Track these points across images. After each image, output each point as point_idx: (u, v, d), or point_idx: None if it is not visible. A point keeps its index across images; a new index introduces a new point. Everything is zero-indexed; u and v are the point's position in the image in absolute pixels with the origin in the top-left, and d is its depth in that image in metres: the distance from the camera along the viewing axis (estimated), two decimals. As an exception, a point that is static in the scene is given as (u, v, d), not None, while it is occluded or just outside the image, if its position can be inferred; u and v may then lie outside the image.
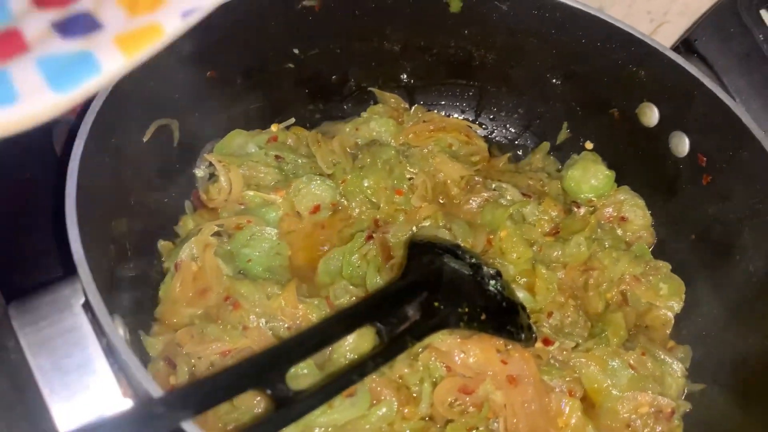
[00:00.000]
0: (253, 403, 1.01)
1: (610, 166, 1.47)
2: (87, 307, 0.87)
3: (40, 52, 0.69)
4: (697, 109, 1.28)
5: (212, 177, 1.38)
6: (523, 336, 1.12)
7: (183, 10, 0.69)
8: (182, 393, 0.75)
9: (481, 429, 1.08)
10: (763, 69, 1.30)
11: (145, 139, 1.21)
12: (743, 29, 1.32)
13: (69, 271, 0.88)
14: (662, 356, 1.22)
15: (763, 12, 1.33)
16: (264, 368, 0.81)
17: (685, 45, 1.39)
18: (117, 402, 0.79)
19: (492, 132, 1.62)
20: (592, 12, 1.34)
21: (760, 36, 1.31)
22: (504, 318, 1.12)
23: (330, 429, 1.06)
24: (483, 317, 1.10)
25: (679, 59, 1.29)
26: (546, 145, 1.56)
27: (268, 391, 0.80)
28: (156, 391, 0.74)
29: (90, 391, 0.81)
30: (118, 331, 0.87)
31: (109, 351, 0.86)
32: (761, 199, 1.18)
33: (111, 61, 0.68)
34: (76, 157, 0.96)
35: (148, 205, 1.27)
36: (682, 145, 1.32)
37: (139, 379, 0.75)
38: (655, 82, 1.33)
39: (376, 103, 1.57)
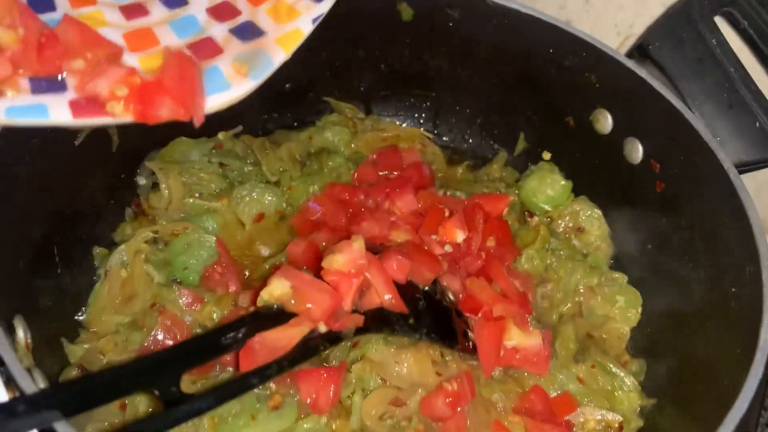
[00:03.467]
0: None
1: (567, 176, 1.43)
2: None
3: (231, 52, 0.97)
4: (650, 114, 1.25)
5: (155, 186, 1.35)
6: (455, 342, 1.06)
7: (312, 18, 1.04)
8: (51, 392, 0.70)
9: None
10: (716, 74, 1.26)
11: (77, 143, 1.18)
12: (696, 35, 1.28)
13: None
14: (614, 370, 1.17)
15: (717, 18, 1.30)
16: (156, 369, 0.76)
17: (639, 50, 1.35)
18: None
19: (452, 142, 1.58)
20: (543, 18, 1.31)
21: (713, 41, 1.27)
22: (439, 323, 1.07)
23: (254, 442, 1.01)
24: (418, 325, 1.05)
25: (630, 63, 1.26)
26: (503, 155, 1.52)
27: (156, 392, 0.74)
28: (30, 388, 0.69)
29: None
30: (18, 332, 0.82)
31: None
32: (710, 205, 1.13)
33: (278, 56, 1.00)
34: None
35: (84, 211, 1.24)
36: (635, 151, 1.29)
37: (16, 377, 0.70)
38: (607, 87, 1.30)
39: (331, 112, 1.54)
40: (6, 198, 0.97)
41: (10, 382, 0.77)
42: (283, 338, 0.89)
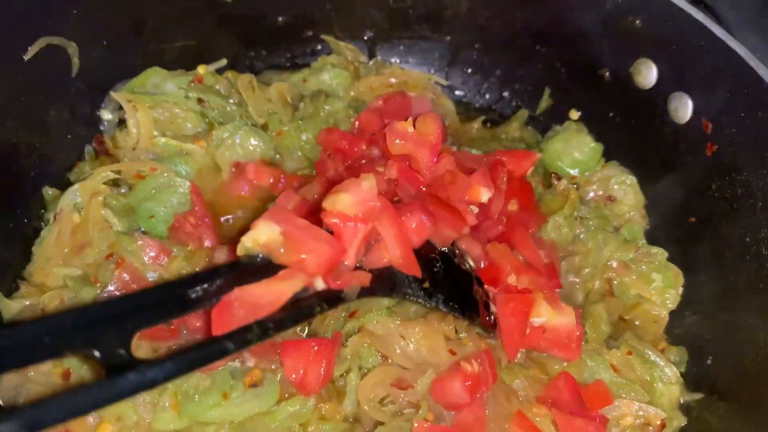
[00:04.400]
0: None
1: (597, 139, 1.27)
2: None
3: None
4: (704, 65, 1.08)
5: (121, 123, 1.16)
6: (477, 315, 0.88)
7: None
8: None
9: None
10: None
11: (26, 57, 0.98)
12: (760, -23, 1.12)
13: None
14: (653, 357, 1.01)
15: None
16: (98, 326, 0.57)
17: (691, -5, 1.18)
18: None
19: (465, 96, 1.40)
20: (582, -50, 1.14)
21: (780, -13, 1.11)
22: (457, 291, 0.88)
23: (226, 426, 0.83)
24: (433, 290, 0.87)
25: (684, 5, 1.08)
26: (524, 113, 1.35)
27: (97, 354, 0.55)
28: None
29: None
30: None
31: None
32: (779, 169, 0.97)
33: None
34: None
35: (34, 145, 1.05)
36: (683, 109, 1.12)
37: None
38: (654, 33, 1.14)
39: (329, 53, 1.35)
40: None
41: None
42: (268, 294, 0.70)
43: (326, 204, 0.77)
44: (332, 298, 0.76)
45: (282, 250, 0.73)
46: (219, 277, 0.69)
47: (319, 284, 0.75)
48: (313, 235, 0.74)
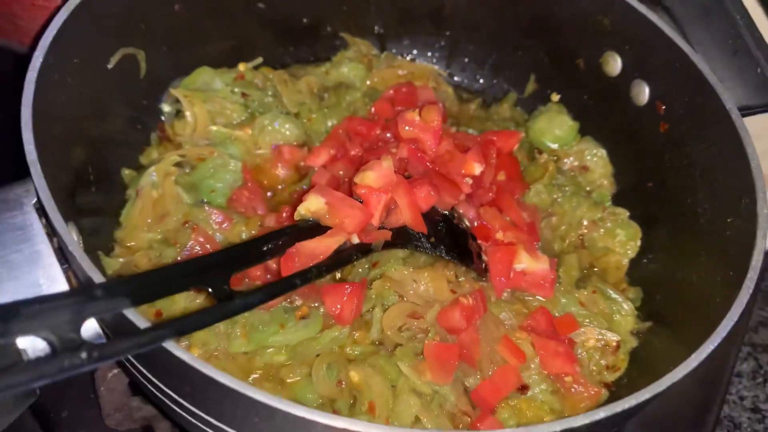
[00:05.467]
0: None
1: (574, 118, 1.50)
2: (40, 210, 0.88)
3: None
4: (658, 58, 1.31)
5: (179, 113, 1.40)
6: (471, 262, 1.14)
7: None
8: (122, 281, 0.77)
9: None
10: (722, 21, 1.32)
11: (110, 66, 1.22)
12: (707, -19, 1.34)
13: (22, 174, 0.90)
14: (613, 295, 1.25)
15: (727, -34, 1.35)
16: (208, 269, 0.83)
17: (650, -4, 1.40)
18: (62, 295, 0.81)
19: (463, 81, 1.63)
20: (560, -40, 1.36)
21: (723, -11, 1.33)
22: (456, 244, 1.14)
23: (283, 349, 1.08)
24: (437, 243, 1.13)
25: (642, 8, 1.31)
26: (513, 96, 1.58)
27: (210, 290, 0.82)
28: (99, 279, 0.76)
29: (39, 285, 0.82)
30: (71, 234, 0.88)
31: (60, 252, 0.87)
32: (712, 143, 1.21)
33: None
34: (34, 68, 0.98)
35: (113, 134, 1.29)
36: (642, 93, 1.35)
37: (84, 268, 0.77)
38: (619, 31, 1.36)
39: (346, 48, 1.58)
40: (53, 117, 1.01)
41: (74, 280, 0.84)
42: (320, 246, 0.97)
43: (356, 179, 1.03)
44: (364, 250, 1.03)
45: (327, 216, 0.99)
46: (284, 236, 0.96)
47: (355, 239, 1.01)
48: (349, 204, 1.00)
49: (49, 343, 0.64)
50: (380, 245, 1.05)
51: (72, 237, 0.82)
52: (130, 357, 0.86)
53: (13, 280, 0.82)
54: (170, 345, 0.73)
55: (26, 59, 1.01)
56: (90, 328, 0.84)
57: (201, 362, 0.72)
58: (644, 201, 1.38)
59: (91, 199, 1.19)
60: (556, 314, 1.20)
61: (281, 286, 0.92)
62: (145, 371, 0.86)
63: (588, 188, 1.44)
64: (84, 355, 0.63)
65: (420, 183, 1.10)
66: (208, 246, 1.13)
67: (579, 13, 1.39)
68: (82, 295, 0.68)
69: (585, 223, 1.36)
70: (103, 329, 0.87)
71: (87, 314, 0.68)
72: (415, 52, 1.62)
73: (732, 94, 1.23)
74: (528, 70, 1.56)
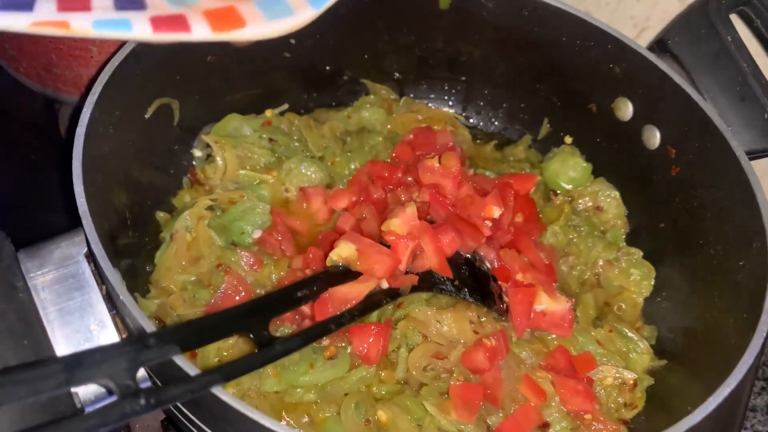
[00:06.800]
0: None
1: (587, 159, 1.55)
2: (90, 257, 0.94)
3: None
4: (668, 104, 1.36)
5: (209, 158, 1.46)
6: (493, 304, 1.19)
7: None
8: (172, 330, 0.82)
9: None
10: (729, 68, 1.37)
11: (146, 116, 1.29)
12: (713, 31, 1.39)
13: (74, 225, 0.96)
14: (629, 334, 1.29)
15: (732, 16, 1.41)
16: (248, 315, 0.89)
17: (659, 45, 1.46)
18: (113, 340, 0.86)
19: (478, 124, 1.70)
20: (572, 11, 1.43)
21: (729, 38, 1.39)
22: (478, 286, 1.19)
23: (312, 388, 1.13)
24: (461, 286, 1.18)
25: (652, 57, 1.37)
26: (528, 138, 1.64)
27: (251, 336, 0.87)
28: (150, 329, 0.81)
29: (90, 332, 0.88)
30: (118, 279, 0.93)
31: (108, 298, 0.93)
32: (722, 188, 1.26)
33: None
34: (83, 123, 1.04)
35: (148, 179, 1.35)
36: (653, 138, 1.40)
37: (136, 317, 0.82)
38: (630, 78, 1.42)
39: (367, 93, 1.65)
40: (98, 167, 1.07)
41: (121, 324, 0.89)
42: (352, 292, 1.02)
43: (383, 227, 1.09)
44: (393, 294, 1.08)
45: (358, 262, 1.04)
46: (317, 282, 1.01)
47: (384, 284, 1.07)
48: (378, 250, 1.06)
49: (108, 390, 0.69)
50: (408, 289, 1.11)
51: (121, 284, 0.88)
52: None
53: (67, 326, 0.88)
54: (217, 389, 0.78)
55: (53, 103, 1.05)
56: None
57: (247, 407, 0.77)
58: (657, 241, 1.43)
59: (128, 243, 1.25)
60: (574, 353, 1.24)
61: (317, 331, 0.98)
62: (187, 412, 0.91)
63: (602, 228, 1.48)
64: (143, 401, 0.68)
65: (445, 229, 1.15)
66: (240, 288, 1.18)
67: (590, 61, 1.45)
68: (136, 344, 0.74)
69: (600, 263, 1.41)
70: (149, 375, 0.92)
71: (141, 362, 0.74)
72: (432, 96, 1.69)
73: (740, 139, 1.28)
74: (541, 114, 1.62)
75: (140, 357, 0.73)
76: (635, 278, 1.39)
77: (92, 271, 0.94)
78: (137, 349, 0.73)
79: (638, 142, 1.43)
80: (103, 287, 0.93)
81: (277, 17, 1.01)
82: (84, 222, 0.92)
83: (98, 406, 0.80)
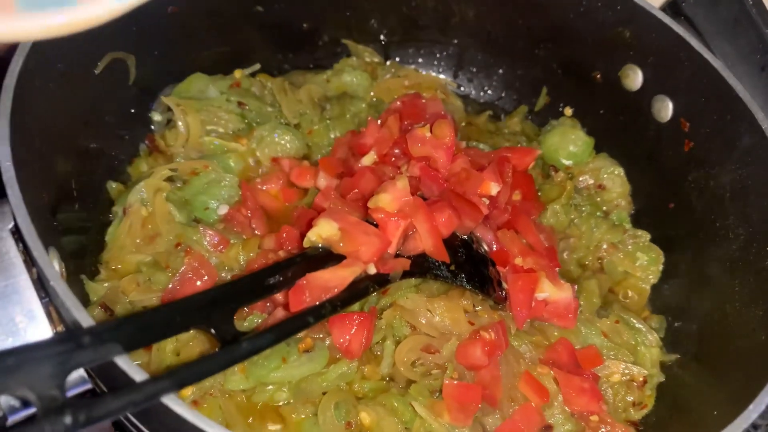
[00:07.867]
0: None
1: (589, 133, 1.42)
2: (17, 235, 0.78)
3: None
4: (683, 72, 1.23)
5: (170, 122, 1.30)
6: (492, 291, 1.05)
7: None
8: (113, 325, 0.67)
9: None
10: (750, 35, 1.26)
11: (97, 72, 1.12)
12: (732, -7, 1.27)
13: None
14: (637, 325, 1.18)
15: (753, -24, 1.29)
16: (210, 306, 0.73)
17: (673, 7, 1.34)
18: (44, 335, 0.71)
19: (470, 93, 1.55)
20: (579, -33, 1.28)
21: (750, 1, 1.26)
22: (476, 269, 1.05)
23: (285, 386, 0.99)
24: (457, 271, 1.04)
25: (666, 19, 1.24)
26: (523, 109, 1.50)
27: (212, 331, 0.72)
28: (87, 322, 0.66)
29: (15, 324, 0.72)
30: (52, 263, 0.78)
31: (39, 284, 0.77)
32: (744, 164, 1.13)
33: None
34: (13, 74, 0.87)
35: (99, 145, 1.19)
36: (665, 109, 1.28)
37: (69, 307, 0.66)
38: (640, 43, 1.28)
39: (349, 55, 1.49)
40: (33, 129, 0.91)
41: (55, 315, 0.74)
42: (334, 278, 0.87)
43: (370, 203, 0.94)
44: (381, 281, 0.93)
45: (341, 244, 0.89)
46: (293, 266, 0.86)
47: (372, 270, 0.92)
48: (364, 230, 0.91)
49: (27, 403, 0.54)
50: (398, 275, 0.96)
51: (54, 267, 0.72)
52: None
53: (-15, 319, 0.72)
54: (170, 399, 0.63)
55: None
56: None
57: (207, 420, 0.62)
58: (664, 223, 1.31)
59: (74, 217, 1.09)
60: (578, 346, 1.12)
61: (293, 325, 0.83)
62: (136, 421, 0.76)
63: (605, 208, 1.36)
64: (68, 419, 0.53)
65: (440, 206, 1.00)
66: (202, 271, 1.03)
67: (598, 24, 1.31)
68: (68, 342, 0.58)
69: (604, 246, 1.29)
70: (90, 376, 0.76)
71: (72, 365, 0.59)
72: (420, 60, 1.54)
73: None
74: (539, 83, 1.48)
75: (71, 360, 0.58)
76: (642, 263, 1.28)
77: (20, 251, 0.77)
78: (68, 350, 0.58)
79: (647, 114, 1.30)
80: (33, 270, 0.77)
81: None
82: (9, 191, 0.76)
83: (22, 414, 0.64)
